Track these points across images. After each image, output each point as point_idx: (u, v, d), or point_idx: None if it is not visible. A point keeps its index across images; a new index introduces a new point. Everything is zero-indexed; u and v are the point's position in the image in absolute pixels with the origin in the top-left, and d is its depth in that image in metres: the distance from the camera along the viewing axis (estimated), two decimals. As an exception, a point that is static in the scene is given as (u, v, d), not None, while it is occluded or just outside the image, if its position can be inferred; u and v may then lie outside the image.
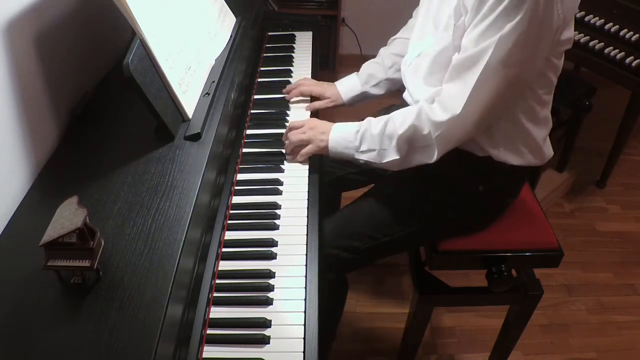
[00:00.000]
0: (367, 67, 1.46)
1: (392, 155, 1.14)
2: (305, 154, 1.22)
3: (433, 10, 1.16)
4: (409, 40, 1.33)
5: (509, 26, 0.95)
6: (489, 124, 1.11)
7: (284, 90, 1.45)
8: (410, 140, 1.12)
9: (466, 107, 1.03)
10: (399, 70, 1.40)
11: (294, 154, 1.24)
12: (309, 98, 1.45)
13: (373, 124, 1.17)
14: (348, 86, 1.46)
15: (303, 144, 1.22)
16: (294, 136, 1.23)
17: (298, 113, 1.40)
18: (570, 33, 1.05)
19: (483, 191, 1.22)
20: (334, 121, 1.24)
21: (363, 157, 1.19)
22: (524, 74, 1.02)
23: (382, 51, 1.46)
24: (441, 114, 1.06)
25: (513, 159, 1.15)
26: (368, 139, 1.17)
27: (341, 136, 1.20)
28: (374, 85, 1.45)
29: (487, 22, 0.97)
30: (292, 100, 1.43)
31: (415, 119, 1.09)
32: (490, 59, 0.98)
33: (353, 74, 1.48)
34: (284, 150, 1.26)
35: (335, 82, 1.48)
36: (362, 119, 1.21)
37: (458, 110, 1.04)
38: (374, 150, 1.16)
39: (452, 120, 1.05)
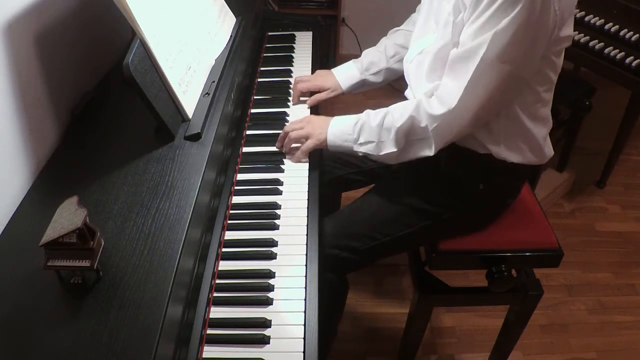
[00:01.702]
0: (369, 54, 1.46)
1: (389, 148, 1.15)
2: (305, 150, 1.22)
3: (434, 7, 1.16)
4: (411, 34, 1.33)
5: (505, 21, 0.96)
6: (487, 120, 1.11)
7: (292, 102, 1.44)
8: (408, 133, 1.12)
9: (462, 100, 1.04)
10: (399, 60, 1.40)
11: (292, 153, 1.24)
12: (309, 95, 1.45)
13: (372, 116, 1.17)
14: (346, 74, 1.45)
15: (302, 141, 1.23)
16: (294, 133, 1.23)
17: (298, 112, 1.40)
18: (569, 31, 1.05)
19: (483, 190, 1.22)
20: (334, 115, 1.24)
21: (361, 149, 1.19)
22: (520, 71, 1.03)
23: (385, 40, 1.46)
24: (438, 107, 1.07)
25: (513, 157, 1.16)
26: (366, 131, 1.17)
27: (339, 129, 1.21)
28: (374, 74, 1.44)
29: (484, 18, 0.98)
30: (294, 102, 1.43)
31: (413, 111, 1.10)
32: (486, 54, 0.99)
33: (350, 61, 1.47)
34: (284, 150, 1.26)
35: (332, 70, 1.47)
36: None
37: (454, 104, 1.05)
38: (372, 142, 1.17)
39: (448, 114, 1.06)
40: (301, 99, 1.43)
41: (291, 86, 1.50)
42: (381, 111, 1.17)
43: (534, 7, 0.94)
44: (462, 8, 1.04)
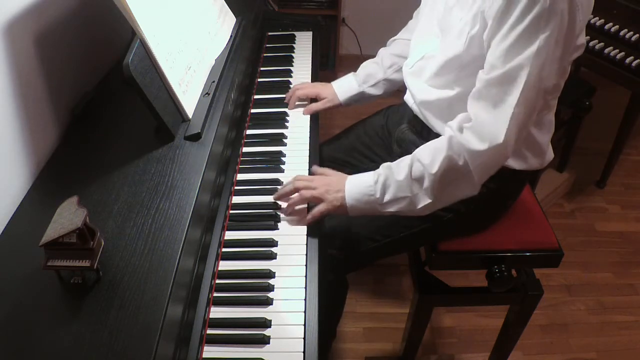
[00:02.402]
0: (366, 66, 1.45)
1: (426, 199, 1.04)
2: (318, 215, 1.07)
3: (438, 12, 1.15)
4: (410, 42, 1.33)
5: (541, 39, 0.89)
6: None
7: (285, 101, 1.43)
8: (445, 177, 1.01)
9: (508, 133, 0.96)
10: (397, 70, 1.40)
11: (297, 214, 1.09)
12: (307, 101, 1.45)
13: (395, 170, 1.06)
14: (345, 86, 1.44)
15: (314, 201, 1.09)
16: (306, 192, 1.08)
17: (297, 113, 1.40)
18: (583, 39, 1.03)
19: (484, 193, 1.21)
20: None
21: (390, 210, 1.07)
22: (549, 85, 0.99)
23: (382, 51, 1.45)
24: (478, 143, 0.97)
25: (516, 164, 1.15)
26: (393, 187, 1.05)
27: (359, 191, 1.07)
28: (372, 86, 1.43)
29: (515, 36, 0.91)
30: (290, 108, 1.41)
31: (447, 151, 1.00)
32: (529, 78, 0.92)
33: (350, 74, 1.46)
34: (285, 207, 1.11)
35: (332, 82, 1.47)
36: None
37: (501, 139, 0.95)
38: (403, 198, 1.05)
39: (493, 149, 0.97)
40: (297, 103, 1.42)
41: (291, 86, 1.50)
42: (404, 161, 1.06)
43: (563, 21, 0.90)
44: (481, 21, 0.99)
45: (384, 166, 1.08)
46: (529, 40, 0.90)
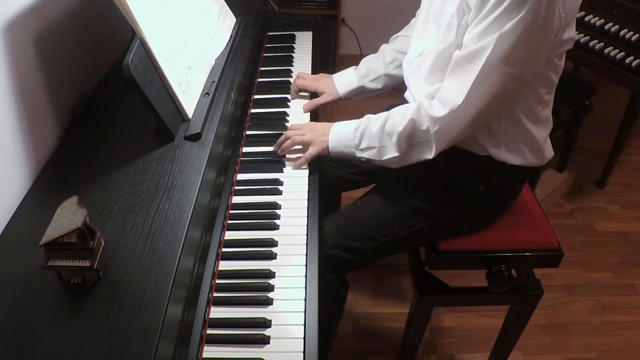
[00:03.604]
0: (367, 61, 1.46)
1: (391, 152, 1.15)
2: (309, 157, 1.22)
3: (435, 9, 1.16)
4: (411, 38, 1.33)
5: (510, 24, 0.95)
6: (487, 122, 1.11)
7: (290, 96, 1.46)
8: (410, 137, 1.12)
9: (464, 102, 1.04)
10: (398, 66, 1.40)
11: (294, 159, 1.23)
12: (308, 95, 1.45)
13: (372, 121, 1.17)
14: (345, 80, 1.45)
15: (304, 145, 1.23)
16: (297, 137, 1.23)
17: (298, 112, 1.40)
18: (571, 33, 1.05)
19: (483, 191, 1.22)
20: (334, 120, 1.24)
21: (363, 155, 1.19)
22: (523, 73, 1.02)
23: (383, 47, 1.46)
24: (440, 109, 1.07)
25: (514, 159, 1.15)
26: (367, 137, 1.17)
27: (341, 134, 1.20)
28: (373, 80, 1.44)
29: (489, 20, 0.97)
30: (292, 97, 1.44)
31: (414, 114, 1.10)
32: (491, 56, 0.98)
33: (351, 67, 1.47)
34: (280, 152, 1.25)
35: (333, 75, 1.48)
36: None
37: (457, 105, 1.04)
38: (373, 147, 1.17)
39: (451, 114, 1.06)
40: (300, 94, 1.44)
41: (291, 86, 1.50)
42: (382, 115, 1.16)
43: (539, 11, 0.94)
44: (467, 10, 1.04)
45: (366, 117, 1.20)
46: (499, 24, 0.96)
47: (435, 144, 1.10)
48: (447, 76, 1.09)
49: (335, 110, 1.43)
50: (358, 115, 1.22)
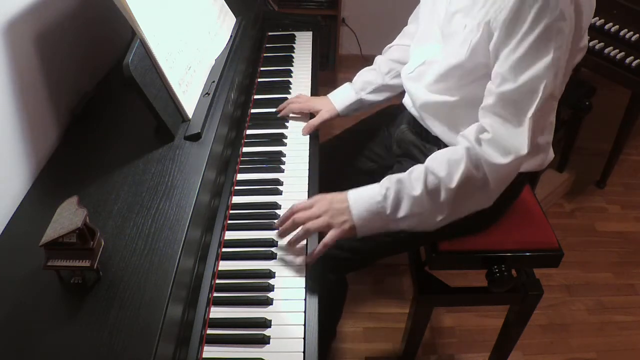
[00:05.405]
0: (362, 74, 1.43)
1: (442, 213, 1.00)
2: (330, 243, 1.00)
3: (439, 17, 1.14)
4: (407, 47, 1.32)
5: (554, 48, 0.89)
6: None
7: (277, 109, 1.39)
8: (463, 190, 0.98)
9: (530, 143, 0.95)
10: (396, 76, 1.38)
11: (296, 239, 1.01)
12: (306, 117, 1.40)
13: (407, 184, 1.00)
14: (341, 96, 1.41)
15: (322, 230, 1.01)
16: (311, 224, 1.00)
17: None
18: (585, 41, 1.04)
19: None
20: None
21: (403, 225, 1.01)
22: (559, 93, 1.00)
23: (378, 59, 1.44)
24: (501, 157, 0.96)
25: None
26: (407, 203, 0.99)
27: (366, 209, 1.00)
28: (371, 92, 1.40)
29: (526, 46, 0.90)
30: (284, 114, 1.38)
31: (465, 164, 0.97)
32: (545, 89, 0.92)
33: (346, 83, 1.44)
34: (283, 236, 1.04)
35: (328, 95, 1.43)
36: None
37: (525, 151, 0.95)
38: (419, 213, 1.00)
39: (516, 161, 0.96)
40: (297, 120, 1.37)
41: (291, 86, 1.50)
42: (415, 174, 1.00)
43: (571, 26, 0.91)
44: (485, 29, 0.97)
45: (392, 180, 1.01)
46: (542, 50, 0.89)
47: (494, 190, 1.00)
48: (491, 113, 0.97)
49: (334, 122, 1.39)
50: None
